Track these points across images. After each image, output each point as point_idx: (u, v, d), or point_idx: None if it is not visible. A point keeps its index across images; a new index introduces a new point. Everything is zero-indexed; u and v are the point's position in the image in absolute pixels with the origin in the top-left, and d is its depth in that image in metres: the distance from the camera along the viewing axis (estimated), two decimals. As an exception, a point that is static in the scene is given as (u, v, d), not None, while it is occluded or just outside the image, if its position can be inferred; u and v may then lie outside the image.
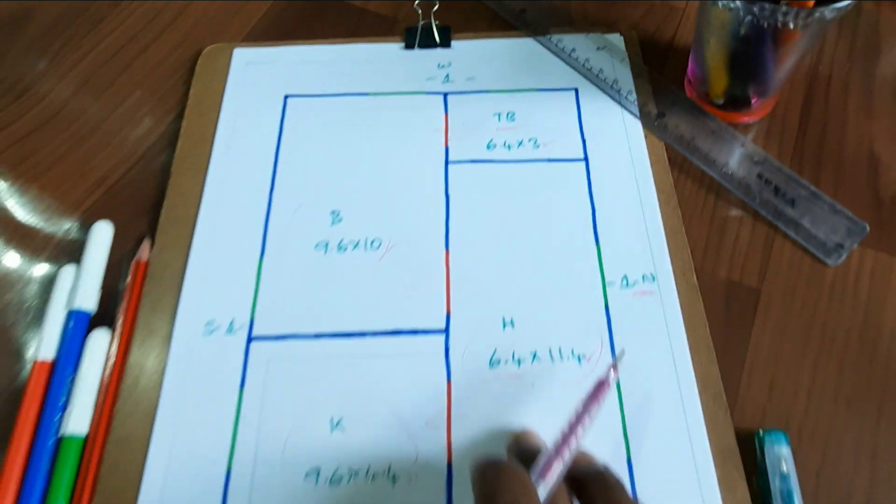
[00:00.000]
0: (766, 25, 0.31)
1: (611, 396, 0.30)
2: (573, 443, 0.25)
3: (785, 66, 0.35)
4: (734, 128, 0.37)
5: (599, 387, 0.27)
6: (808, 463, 0.28)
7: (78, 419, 0.29)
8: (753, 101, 0.37)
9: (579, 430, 0.25)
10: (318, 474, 0.28)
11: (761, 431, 0.28)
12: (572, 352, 0.31)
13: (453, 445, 0.29)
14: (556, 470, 0.24)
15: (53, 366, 0.31)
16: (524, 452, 0.26)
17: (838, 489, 0.28)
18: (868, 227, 0.34)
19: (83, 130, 0.38)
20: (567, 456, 0.24)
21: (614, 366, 0.28)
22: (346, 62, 0.41)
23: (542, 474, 0.23)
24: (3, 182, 0.36)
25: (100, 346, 0.31)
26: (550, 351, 0.31)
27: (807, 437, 0.29)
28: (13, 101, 0.39)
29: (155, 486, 0.28)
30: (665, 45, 0.41)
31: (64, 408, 0.30)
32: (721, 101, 0.38)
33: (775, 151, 0.37)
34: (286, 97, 0.39)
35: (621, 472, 0.28)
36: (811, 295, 0.32)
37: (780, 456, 0.28)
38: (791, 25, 0.30)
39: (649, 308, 0.32)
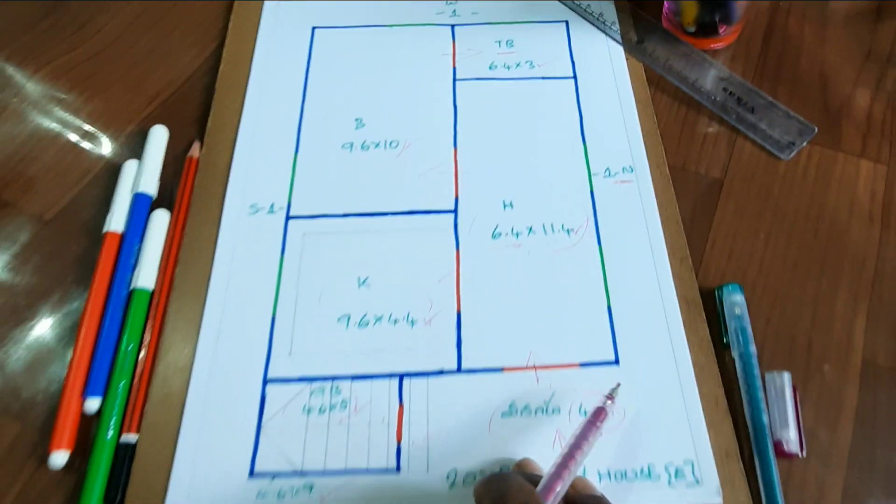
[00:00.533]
0: (727, -47, 0.37)
1: (594, 263, 0.35)
2: (573, 466, 0.25)
3: (746, -7, 0.40)
4: (705, 53, 0.43)
5: (597, 413, 0.28)
6: (759, 312, 0.34)
7: (146, 276, 0.35)
8: (721, 29, 0.43)
9: (578, 455, 0.26)
10: (348, 319, 0.34)
11: (720, 286, 0.34)
12: (562, 226, 0.36)
13: (462, 297, 0.34)
14: (559, 489, 0.24)
15: (123, 237, 0.36)
16: (526, 477, 0.25)
17: (784, 331, 0.33)
18: (816, 129, 0.39)
19: (138, 55, 0.44)
20: (567, 478, 0.25)
21: (610, 396, 0.29)
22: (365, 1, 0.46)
23: (546, 494, 0.24)
24: (74, 94, 0.42)
25: (161, 222, 0.37)
26: (544, 226, 0.36)
27: (759, 292, 0.34)
28: (77, 30, 0.45)
29: (212, 328, 0.33)
30: (646, -14, 0.47)
31: (133, 268, 0.35)
32: (693, 29, 0.43)
33: (740, 71, 0.42)
34: (314, 28, 0.45)
35: (603, 320, 0.33)
36: (766, 183, 0.38)
37: (735, 302, 0.33)
38: (747, -49, 0.36)
39: (628, 193, 0.37)
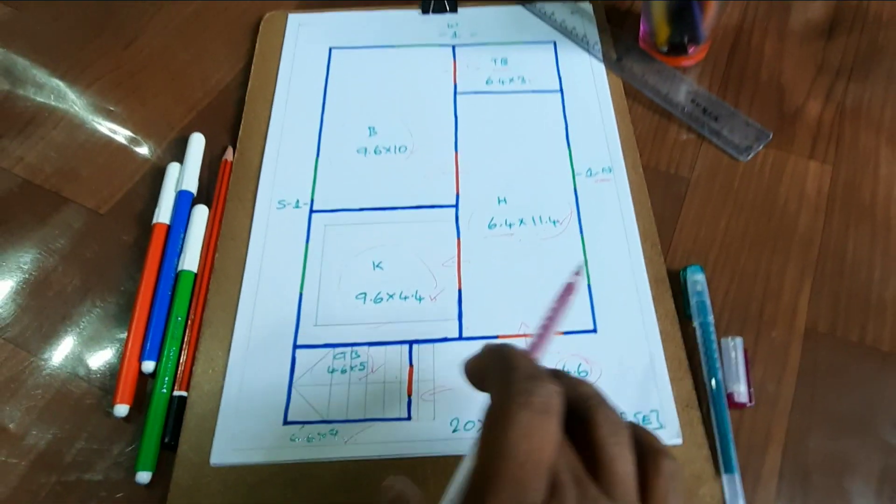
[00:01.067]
0: (690, -18, 0.43)
1: (576, 249, 0.41)
2: (552, 330, 0.27)
3: (710, 16, 0.46)
4: (677, 69, 0.49)
5: (568, 288, 0.30)
6: (718, 288, 0.39)
7: (191, 260, 0.40)
8: (690, 48, 0.49)
9: (555, 321, 0.27)
10: (364, 296, 0.39)
11: (684, 268, 0.40)
12: (549, 218, 0.42)
13: (462, 277, 0.40)
14: (544, 347, 0.27)
15: (169, 227, 0.42)
16: None
17: (740, 302, 0.39)
18: (771, 135, 0.45)
19: (177, 71, 0.50)
20: (549, 339, 0.27)
21: (578, 272, 0.30)
22: (375, 23, 0.52)
23: (534, 352, 0.26)
24: (122, 105, 0.48)
25: (201, 215, 0.42)
26: (533, 218, 0.42)
27: (719, 270, 0.40)
28: (123, 49, 0.51)
29: (248, 304, 0.39)
30: (624, 11, 0.53)
31: (179, 253, 0.41)
32: (665, 49, 0.49)
33: (707, 84, 0.48)
34: (331, 48, 0.51)
35: (583, 295, 0.39)
36: (727, 180, 0.43)
37: (696, 280, 0.39)
38: (707, -19, 0.42)
39: (607, 190, 0.43)
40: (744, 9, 0.52)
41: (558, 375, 0.24)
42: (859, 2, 0.52)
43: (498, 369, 0.23)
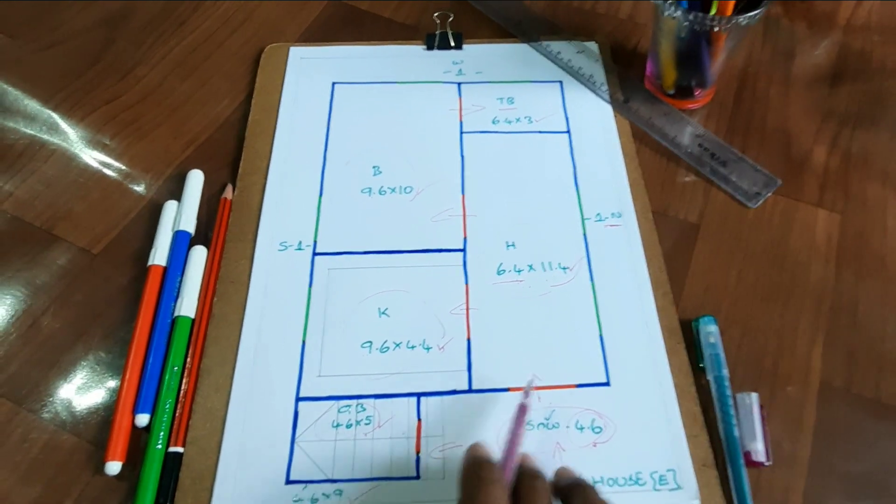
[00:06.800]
0: (699, 29, 0.42)
1: (587, 297, 0.40)
2: (516, 448, 0.30)
3: (717, 61, 0.46)
4: (683, 112, 0.48)
5: (521, 410, 0.33)
6: (731, 339, 0.38)
7: (188, 305, 0.39)
8: (697, 92, 0.49)
9: (517, 442, 0.31)
10: (370, 345, 0.38)
11: (697, 318, 0.39)
12: (559, 264, 0.41)
13: (471, 326, 0.39)
14: (513, 464, 0.30)
15: (165, 270, 0.40)
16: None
17: (753, 356, 0.38)
18: (780, 181, 0.45)
19: (175, 104, 0.48)
20: (515, 456, 0.30)
21: (527, 392, 0.34)
22: (379, 59, 0.52)
23: (505, 465, 0.30)
24: (117, 139, 0.46)
25: (199, 257, 0.41)
26: (543, 264, 0.41)
27: (731, 322, 0.39)
28: (118, 80, 0.49)
29: (248, 352, 0.37)
30: (630, 51, 0.53)
31: (176, 297, 0.39)
32: (672, 92, 0.49)
33: (713, 128, 0.48)
34: (333, 84, 0.50)
35: (595, 346, 0.38)
36: (737, 227, 0.43)
37: (710, 332, 0.38)
38: (717, 29, 0.42)
39: (616, 236, 0.42)
40: (748, 53, 0.52)
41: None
42: (863, 49, 0.52)
43: (466, 479, 0.28)
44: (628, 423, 0.35)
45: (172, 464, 0.34)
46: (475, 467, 0.29)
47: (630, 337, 0.38)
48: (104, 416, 0.36)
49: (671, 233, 0.43)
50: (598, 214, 0.43)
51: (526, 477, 0.29)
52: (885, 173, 0.45)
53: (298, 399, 0.36)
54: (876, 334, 0.39)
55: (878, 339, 0.38)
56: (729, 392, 0.36)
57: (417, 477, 0.34)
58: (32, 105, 0.48)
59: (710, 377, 0.37)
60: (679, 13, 0.42)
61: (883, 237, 0.42)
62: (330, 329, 0.38)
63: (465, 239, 0.42)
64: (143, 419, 0.35)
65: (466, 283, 0.40)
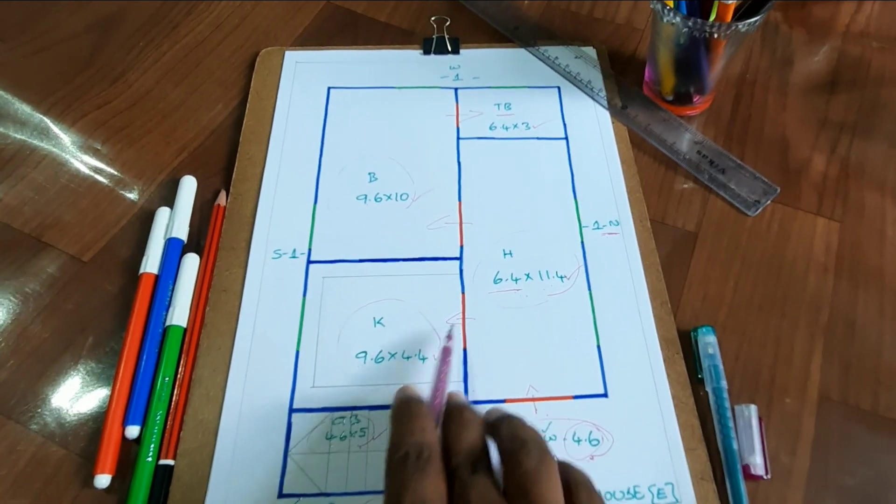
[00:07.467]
0: (699, 36, 0.42)
1: (584, 306, 0.39)
2: (443, 388, 0.32)
3: (716, 68, 0.46)
4: (681, 119, 0.48)
5: (445, 352, 0.34)
6: (729, 350, 0.38)
7: (180, 314, 0.38)
8: (695, 98, 0.48)
9: (443, 381, 0.32)
10: (365, 355, 0.37)
11: (695, 328, 0.38)
12: (556, 273, 0.41)
13: (467, 336, 0.38)
14: (439, 402, 0.31)
15: (157, 278, 0.39)
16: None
17: (751, 367, 0.38)
18: (779, 189, 0.44)
19: (167, 109, 0.48)
20: (441, 394, 0.31)
21: (449, 336, 0.36)
22: (375, 63, 0.51)
23: (432, 406, 0.31)
24: (108, 145, 0.46)
25: (192, 265, 0.40)
26: (540, 272, 0.41)
27: (729, 332, 0.39)
28: (109, 85, 0.49)
29: (241, 362, 0.37)
30: (628, 56, 0.52)
31: (167, 306, 0.38)
32: (670, 98, 0.48)
33: (712, 135, 0.48)
34: (329, 88, 0.49)
35: (593, 356, 0.38)
36: (735, 236, 0.43)
37: (708, 343, 0.38)
38: (716, 35, 0.42)
39: (614, 244, 0.42)
40: (747, 59, 0.52)
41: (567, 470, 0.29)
42: (862, 56, 0.52)
43: (396, 415, 0.29)
44: (626, 435, 0.35)
45: (163, 477, 0.33)
46: (405, 405, 0.30)
47: (628, 347, 0.38)
48: (93, 428, 0.35)
49: (669, 241, 0.42)
50: (596, 222, 0.43)
51: (454, 409, 0.30)
52: (883, 182, 0.45)
53: (292, 410, 0.35)
54: (874, 345, 0.38)
55: (875, 350, 0.38)
56: (727, 404, 0.35)
57: (412, 490, 0.33)
58: (22, 110, 0.47)
59: (708, 388, 0.36)
60: (678, 19, 0.42)
61: (881, 247, 0.42)
62: (324, 339, 0.38)
63: (461, 247, 0.42)
64: (133, 431, 0.34)
65: (463, 293, 0.40)
